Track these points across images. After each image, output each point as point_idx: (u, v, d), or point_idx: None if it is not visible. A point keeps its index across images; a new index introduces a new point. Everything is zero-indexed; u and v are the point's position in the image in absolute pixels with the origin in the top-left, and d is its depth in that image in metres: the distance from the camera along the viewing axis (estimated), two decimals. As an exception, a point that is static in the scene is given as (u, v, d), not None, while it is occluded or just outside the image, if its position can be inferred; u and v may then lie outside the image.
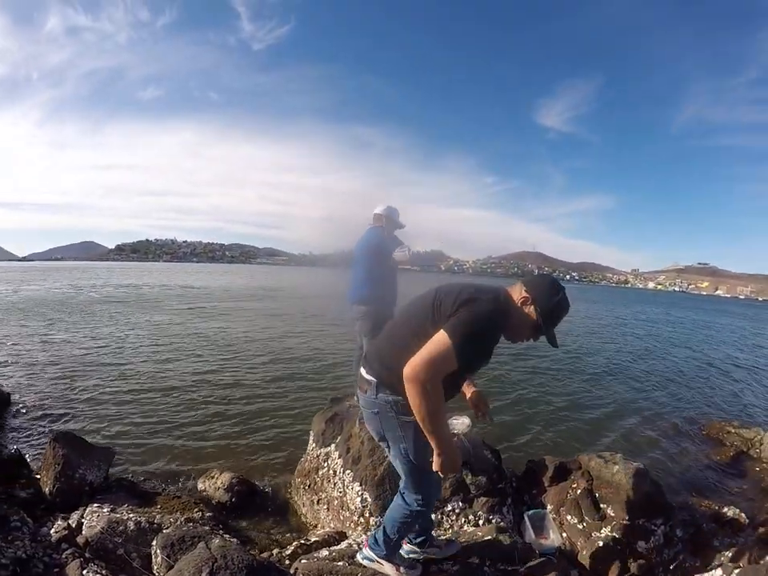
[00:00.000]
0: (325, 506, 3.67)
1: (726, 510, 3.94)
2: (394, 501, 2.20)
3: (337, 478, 3.55)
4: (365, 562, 2.34)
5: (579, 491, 3.36)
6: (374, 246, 4.00)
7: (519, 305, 1.80)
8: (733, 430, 6.99)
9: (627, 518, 3.14)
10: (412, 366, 1.63)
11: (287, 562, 2.74)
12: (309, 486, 3.94)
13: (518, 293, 1.84)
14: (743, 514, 3.82)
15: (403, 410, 1.80)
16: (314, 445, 3.95)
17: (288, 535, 3.57)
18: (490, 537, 2.69)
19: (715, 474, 5.88)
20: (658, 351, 15.94)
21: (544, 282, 1.87)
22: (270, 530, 3.73)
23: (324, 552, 2.65)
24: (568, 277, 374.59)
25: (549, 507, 3.36)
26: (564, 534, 3.14)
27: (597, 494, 3.36)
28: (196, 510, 3.55)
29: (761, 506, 4.95)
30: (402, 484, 2.12)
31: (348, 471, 3.42)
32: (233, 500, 4.04)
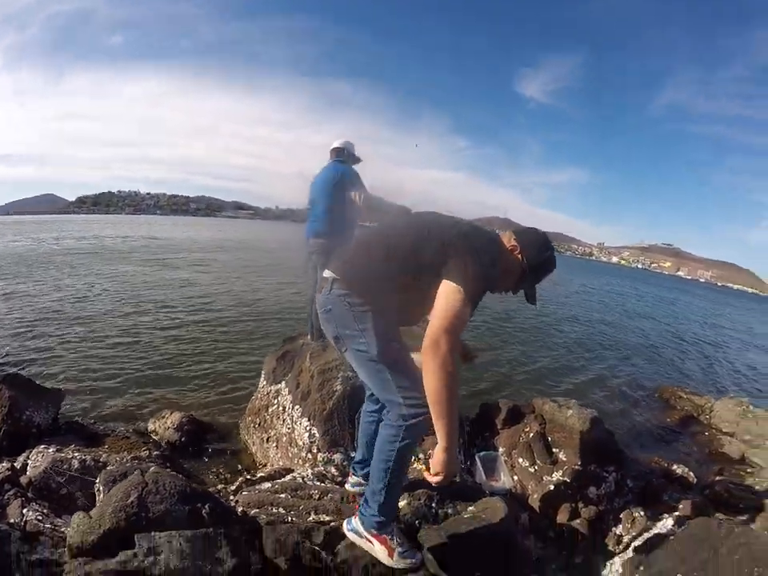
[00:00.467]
0: (274, 444, 3.66)
1: (675, 467, 4.08)
2: (376, 442, 1.83)
3: (286, 414, 3.52)
4: (351, 536, 1.94)
5: (532, 434, 3.41)
6: (334, 179, 3.87)
7: (507, 253, 1.77)
8: (685, 396, 7.28)
9: (579, 463, 3.20)
10: (432, 334, 1.50)
11: (231, 497, 2.69)
12: (259, 425, 3.93)
13: (507, 240, 1.80)
14: (692, 473, 3.96)
15: (358, 301, 1.68)
16: (264, 382, 3.91)
17: (236, 473, 3.57)
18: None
19: (666, 435, 6.13)
20: (624, 320, 16.58)
21: (536, 236, 1.85)
22: (219, 469, 3.73)
23: (267, 484, 2.61)
24: None
25: (501, 450, 3.40)
26: (515, 477, 3.18)
27: (549, 438, 3.41)
28: (144, 449, 3.52)
29: (708, 468, 5.18)
30: (382, 405, 1.83)
31: (297, 407, 3.39)
32: (182, 439, 4.05)
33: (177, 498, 1.83)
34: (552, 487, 3.10)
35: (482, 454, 2.71)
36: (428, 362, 1.50)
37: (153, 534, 1.59)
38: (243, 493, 2.48)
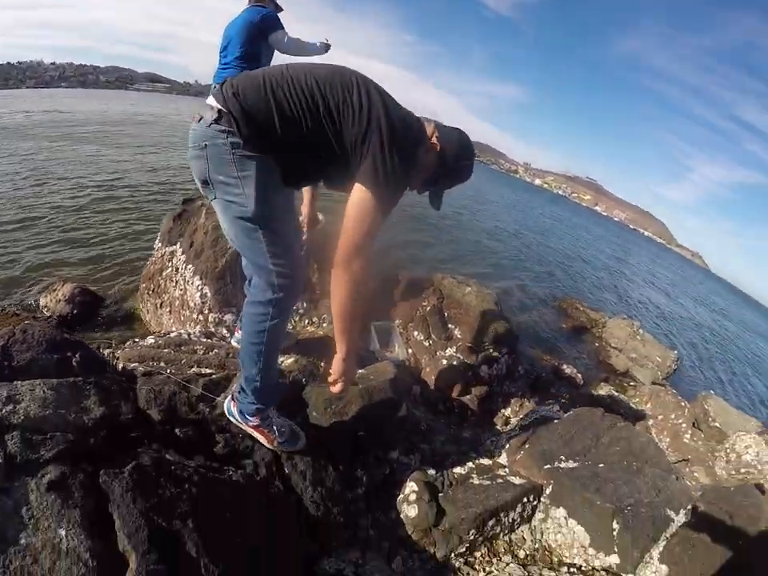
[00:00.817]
0: (167, 309, 3.40)
1: (565, 367, 4.29)
2: (243, 324, 1.66)
3: (179, 275, 3.22)
4: (233, 420, 1.79)
5: (429, 309, 3.35)
6: (252, 21, 3.33)
7: (426, 148, 1.55)
8: (581, 309, 7.75)
9: (473, 341, 3.20)
10: (345, 249, 1.41)
11: (113, 356, 2.45)
12: (153, 291, 3.64)
13: (429, 134, 1.57)
14: (579, 375, 4.19)
15: (244, 144, 1.36)
16: (159, 245, 3.56)
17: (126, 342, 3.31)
18: (329, 336, 2.57)
19: (559, 339, 6.52)
20: (537, 235, 17.39)
21: (460, 139, 1.63)
22: (112, 339, 3.41)
23: (150, 340, 2.41)
24: None
25: (397, 321, 3.33)
26: (410, 350, 3.14)
27: (446, 314, 3.37)
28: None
29: (595, 374, 5.59)
30: (248, 274, 1.62)
31: (189, 266, 3.10)
32: (74, 312, 3.80)
33: (45, 347, 1.71)
34: (445, 362, 3.10)
35: (377, 323, 2.61)
36: (338, 278, 1.43)
37: (15, 382, 1.47)
38: (125, 349, 2.23)
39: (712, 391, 4.21)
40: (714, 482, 2.74)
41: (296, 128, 1.39)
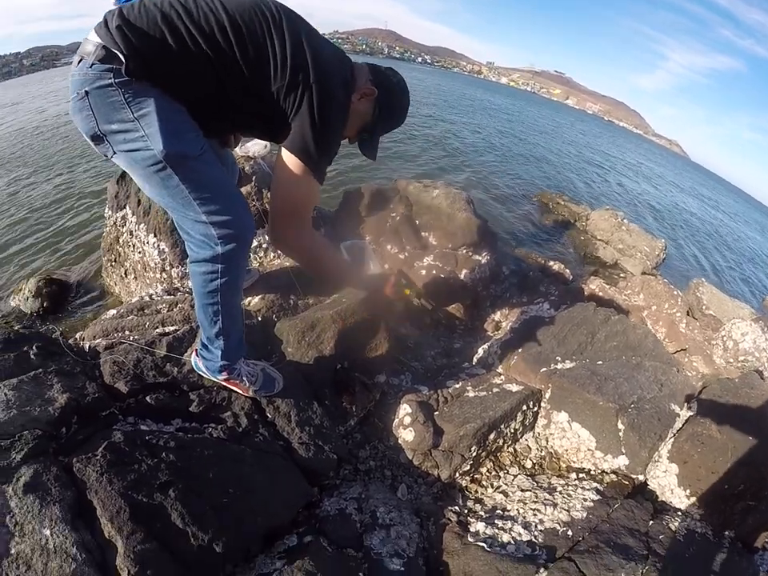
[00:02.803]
0: (132, 276, 3.24)
1: (552, 264, 4.17)
2: (192, 286, 1.44)
3: (134, 238, 3.03)
4: (203, 374, 1.66)
5: (398, 218, 3.18)
6: None
7: (359, 96, 1.41)
8: (563, 203, 7.58)
9: (450, 245, 3.05)
10: (273, 225, 1.38)
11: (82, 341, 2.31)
12: (115, 261, 3.46)
13: (362, 79, 1.42)
14: (568, 270, 4.08)
15: (136, 83, 1.13)
16: (110, 212, 3.33)
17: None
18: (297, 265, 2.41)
19: (542, 235, 6.40)
20: (512, 131, 17.13)
21: (396, 82, 1.52)
22: (87, 320, 3.29)
23: (111, 312, 2.25)
24: (420, 59, 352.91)
25: (368, 238, 3.17)
26: (386, 266, 3.00)
27: (417, 222, 3.21)
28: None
29: (583, 269, 5.53)
30: (182, 232, 1.34)
31: (142, 225, 2.89)
32: (44, 304, 3.64)
33: (0, 348, 1.63)
34: (424, 273, 2.97)
35: (347, 243, 2.45)
36: (284, 251, 1.42)
37: None
38: (87, 329, 2.09)
39: (703, 279, 4.16)
40: (714, 371, 2.73)
41: (199, 72, 1.19)
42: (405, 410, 1.97)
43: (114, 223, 3.29)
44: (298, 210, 1.36)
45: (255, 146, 3.09)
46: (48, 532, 1.05)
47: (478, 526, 1.58)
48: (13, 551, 1.01)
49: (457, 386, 2.17)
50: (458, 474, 1.88)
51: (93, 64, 1.12)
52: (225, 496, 1.32)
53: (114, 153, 1.22)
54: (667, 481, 1.78)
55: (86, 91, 1.13)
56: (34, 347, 1.67)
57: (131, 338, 1.85)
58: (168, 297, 2.24)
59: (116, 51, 1.10)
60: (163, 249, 2.77)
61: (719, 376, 2.50)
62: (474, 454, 1.88)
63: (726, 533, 1.64)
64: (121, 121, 1.15)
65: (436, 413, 1.98)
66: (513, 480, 1.88)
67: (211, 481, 1.33)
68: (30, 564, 1.00)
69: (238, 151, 3.06)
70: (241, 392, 1.67)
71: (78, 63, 1.15)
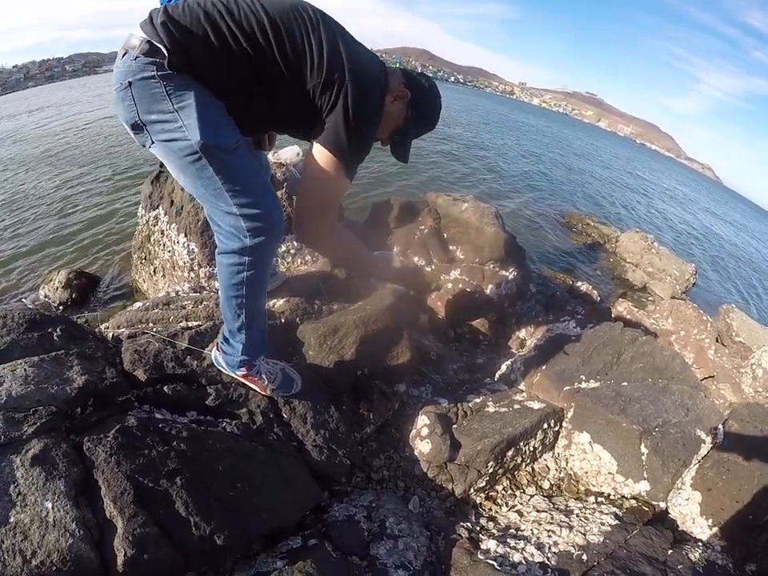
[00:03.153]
0: (161, 274, 3.31)
1: (579, 284, 4.09)
2: (218, 275, 1.45)
3: (165, 237, 3.10)
4: (222, 369, 1.67)
5: (426, 231, 3.17)
6: None
7: (392, 98, 1.43)
8: (592, 224, 7.49)
9: (477, 260, 3.02)
10: (303, 226, 1.41)
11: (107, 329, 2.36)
12: (145, 259, 3.55)
13: (396, 83, 1.44)
14: (596, 292, 3.99)
15: (178, 77, 1.17)
16: (143, 211, 3.42)
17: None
18: (324, 271, 2.43)
19: (571, 255, 6.30)
20: (545, 152, 16.99)
21: (429, 87, 1.54)
22: (112, 315, 3.39)
23: (137, 304, 2.30)
24: (453, 78, 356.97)
25: (395, 249, 3.15)
26: None
27: (445, 235, 3.19)
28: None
29: (612, 290, 5.42)
30: (212, 223, 1.37)
31: (173, 225, 2.96)
32: (73, 296, 3.81)
33: (25, 327, 1.63)
34: (450, 286, 2.95)
35: (375, 253, 2.45)
36: (311, 246, 1.50)
37: None
38: (112, 319, 2.13)
39: (734, 305, 4.02)
40: (742, 400, 2.62)
41: (239, 69, 1.22)
42: (423, 421, 1.93)
43: (147, 222, 3.37)
44: (325, 204, 1.38)
45: (287, 153, 3.13)
46: (50, 505, 1.05)
47: (490, 544, 1.52)
48: (12, 520, 1.01)
49: (477, 400, 2.12)
50: (472, 490, 1.82)
51: (137, 57, 1.16)
52: (232, 490, 1.30)
53: (153, 142, 1.26)
54: (689, 509, 1.70)
55: (129, 82, 1.18)
56: (58, 329, 1.68)
57: (154, 329, 1.87)
58: (194, 294, 2.27)
59: (160, 46, 1.14)
60: (193, 249, 2.81)
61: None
62: (491, 470, 1.83)
63: (748, 566, 1.55)
64: (161, 111, 1.19)
65: (454, 426, 1.93)
66: (529, 500, 1.82)
67: (220, 474, 1.31)
68: (27, 534, 0.99)
69: (271, 157, 3.11)
70: (258, 389, 1.66)
71: (123, 56, 1.20)
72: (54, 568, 0.96)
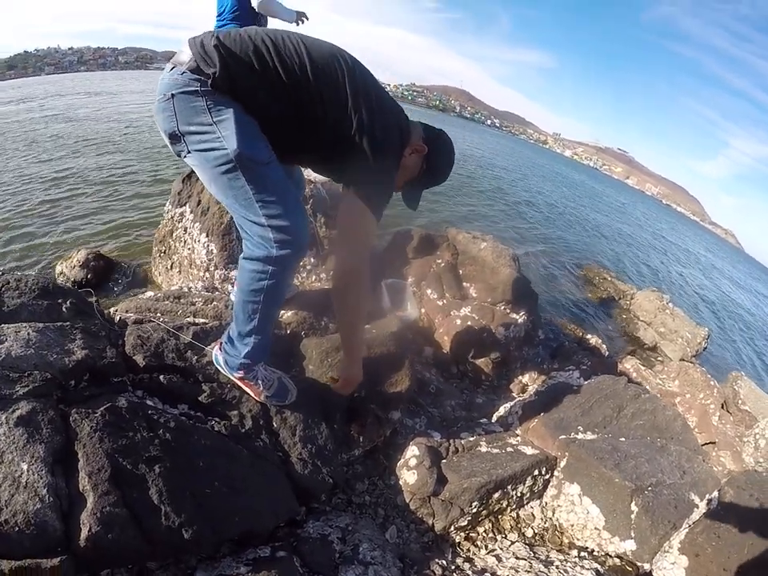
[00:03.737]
0: (177, 270, 3.36)
1: (589, 337, 4.05)
2: (238, 278, 1.48)
3: (187, 235, 3.15)
4: (220, 369, 1.68)
5: (443, 265, 3.18)
6: None
7: (411, 150, 1.52)
8: (609, 279, 7.43)
9: (489, 299, 3.02)
10: (345, 264, 1.44)
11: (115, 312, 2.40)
12: (164, 252, 3.62)
13: (416, 137, 1.54)
14: (605, 346, 3.94)
15: (219, 95, 1.25)
16: (170, 207, 3.49)
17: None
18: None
19: (584, 308, 6.25)
20: (564, 204, 16.88)
21: (446, 143, 1.64)
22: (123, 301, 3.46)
23: (149, 293, 2.35)
24: (489, 122, 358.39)
25: (410, 279, 3.17)
26: (422, 310, 2.98)
27: (461, 271, 3.20)
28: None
29: (621, 347, 5.35)
30: (241, 230, 1.42)
31: (197, 224, 3.01)
32: (88, 277, 3.86)
33: (37, 294, 1.68)
34: (459, 323, 2.93)
35: (389, 281, 2.46)
36: (342, 295, 1.46)
37: (1, 325, 1.45)
38: (121, 303, 2.16)
39: (743, 373, 3.94)
40: (741, 469, 2.54)
41: (277, 100, 1.30)
42: (412, 451, 1.90)
43: (172, 218, 3.44)
44: (366, 253, 1.44)
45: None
46: (25, 467, 1.05)
47: (463, 585, 1.48)
48: (-17, 473, 1.01)
49: (471, 438, 2.09)
50: (453, 528, 1.78)
51: (184, 72, 1.25)
52: (209, 488, 1.29)
53: (189, 152, 1.32)
54: (674, 574, 1.62)
55: (172, 94, 1.25)
56: (68, 302, 1.72)
57: (161, 319, 1.89)
58: (206, 293, 2.30)
59: (208, 65, 1.23)
60: (212, 249, 2.86)
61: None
62: (475, 510, 1.78)
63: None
64: (200, 124, 1.26)
65: (444, 461, 1.90)
66: (510, 546, 1.76)
67: (200, 469, 1.31)
68: (-4, 490, 0.99)
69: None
70: (252, 394, 1.66)
71: (171, 69, 1.28)
72: (17, 529, 0.96)
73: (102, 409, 1.26)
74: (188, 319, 1.97)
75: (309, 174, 3.23)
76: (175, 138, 1.31)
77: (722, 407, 3.11)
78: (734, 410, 3.27)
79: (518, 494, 1.91)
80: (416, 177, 1.59)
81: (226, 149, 1.24)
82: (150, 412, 1.37)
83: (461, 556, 1.71)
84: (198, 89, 1.23)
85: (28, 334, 1.42)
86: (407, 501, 1.81)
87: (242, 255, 1.43)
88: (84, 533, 1.02)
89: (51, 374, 1.31)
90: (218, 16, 3.23)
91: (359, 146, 1.34)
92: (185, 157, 1.35)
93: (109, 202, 6.11)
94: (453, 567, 1.60)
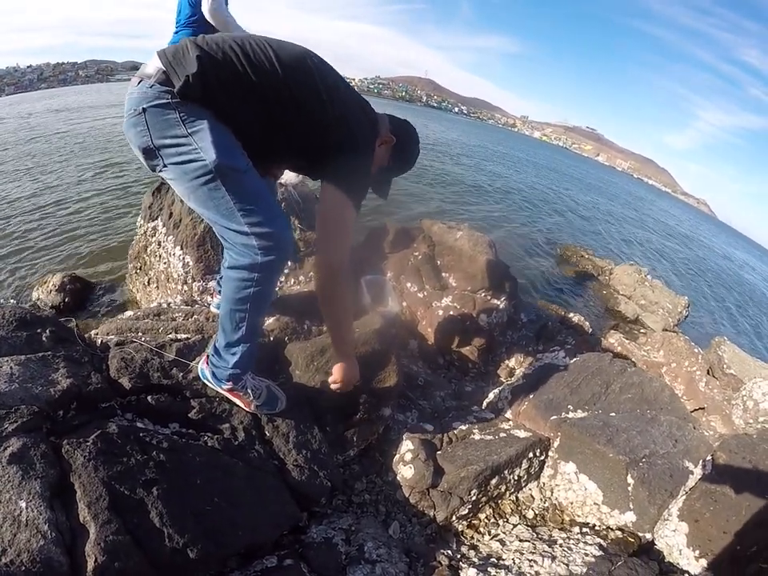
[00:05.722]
0: (155, 285, 3.31)
1: (571, 315, 4.10)
2: (223, 289, 1.48)
3: (161, 249, 3.11)
4: (207, 383, 1.66)
5: (420, 257, 3.20)
6: None
7: (380, 142, 1.57)
8: (587, 256, 7.55)
9: (469, 287, 3.04)
10: (325, 255, 1.45)
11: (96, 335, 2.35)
12: (140, 269, 3.56)
13: (383, 128, 1.59)
14: (588, 323, 4.00)
15: (192, 107, 1.24)
16: (142, 221, 3.44)
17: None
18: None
19: (565, 287, 6.33)
20: (533, 185, 17.02)
21: (412, 134, 1.72)
22: (103, 322, 3.38)
23: (128, 313, 2.30)
24: (456, 109, 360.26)
25: (389, 274, 3.18)
26: (404, 303, 2.99)
27: (439, 262, 3.22)
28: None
29: (604, 322, 5.43)
30: (223, 241, 1.40)
31: (170, 237, 2.97)
32: (66, 300, 3.79)
33: (15, 326, 1.67)
34: (441, 313, 2.96)
35: (367, 278, 2.46)
36: (329, 291, 1.47)
37: None
38: (102, 326, 2.12)
39: (725, 337, 4.02)
40: (732, 432, 2.60)
41: (251, 103, 1.30)
42: (407, 446, 1.91)
43: (145, 233, 3.39)
44: (346, 243, 1.45)
45: (287, 174, 3.19)
46: (24, 504, 1.04)
47: (470, 573, 1.49)
48: (-16, 516, 0.99)
49: (463, 427, 2.11)
50: (454, 518, 1.80)
51: (153, 85, 1.22)
52: (209, 504, 1.28)
53: (165, 166, 1.30)
54: (676, 540, 1.67)
55: (143, 108, 1.22)
56: (47, 331, 1.69)
57: (143, 339, 1.87)
58: (185, 307, 2.27)
59: (177, 76, 1.21)
60: (188, 262, 2.82)
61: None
62: (474, 497, 1.81)
63: (736, 598, 1.52)
64: (175, 136, 1.24)
65: (439, 452, 1.92)
66: (512, 529, 1.79)
67: (198, 487, 1.30)
68: (-1, 531, 0.98)
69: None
70: (242, 405, 1.65)
71: (138, 83, 1.25)
72: (24, 568, 0.95)
73: (92, 437, 1.24)
74: (170, 336, 1.94)
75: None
76: (149, 152, 1.29)
77: (708, 373, 3.18)
78: (720, 374, 3.34)
79: (516, 478, 1.94)
80: (385, 167, 1.64)
81: (204, 160, 1.22)
82: (141, 434, 1.36)
83: (465, 544, 1.73)
84: (170, 101, 1.21)
85: (11, 368, 1.40)
86: (407, 495, 1.83)
87: (226, 265, 1.43)
88: (90, 564, 1.01)
89: (38, 406, 1.29)
90: (176, 23, 3.18)
91: (336, 142, 1.37)
92: (160, 171, 1.33)
93: (79, 221, 5.97)
94: (459, 556, 1.63)
